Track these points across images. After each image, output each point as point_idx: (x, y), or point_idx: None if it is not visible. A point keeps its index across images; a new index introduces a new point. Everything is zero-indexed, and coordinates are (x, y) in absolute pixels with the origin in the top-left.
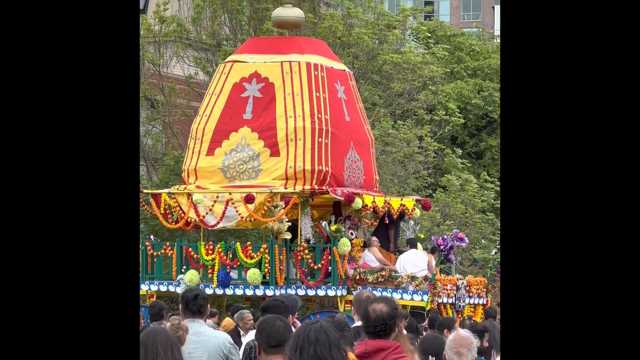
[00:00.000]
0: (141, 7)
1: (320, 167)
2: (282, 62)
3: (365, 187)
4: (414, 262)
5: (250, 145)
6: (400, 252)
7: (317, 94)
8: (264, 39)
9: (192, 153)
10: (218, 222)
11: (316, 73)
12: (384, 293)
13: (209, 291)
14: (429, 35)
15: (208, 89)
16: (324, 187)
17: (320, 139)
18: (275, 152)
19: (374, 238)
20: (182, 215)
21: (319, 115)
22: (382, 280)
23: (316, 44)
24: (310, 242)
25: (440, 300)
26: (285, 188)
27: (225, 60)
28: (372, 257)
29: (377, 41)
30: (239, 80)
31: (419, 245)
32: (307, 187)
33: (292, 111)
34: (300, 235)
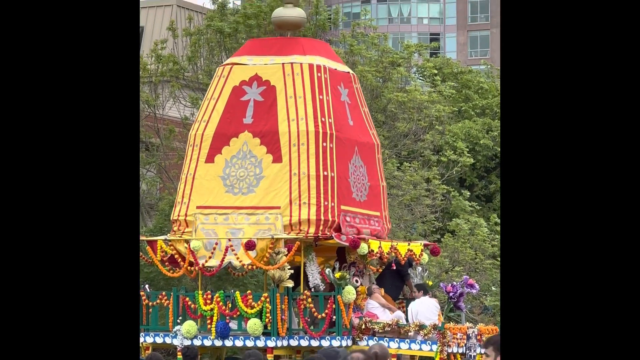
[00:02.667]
0: None
1: (325, 173)
2: (283, 63)
3: (371, 198)
4: (427, 313)
5: (252, 151)
6: (407, 300)
7: (320, 97)
8: (264, 39)
9: (190, 160)
10: (218, 269)
11: (319, 75)
12: (391, 343)
13: (207, 343)
14: (435, 72)
15: (207, 93)
16: (327, 232)
17: (324, 143)
18: (277, 158)
19: (375, 285)
20: (182, 263)
21: (323, 119)
22: (389, 329)
23: (319, 45)
24: (321, 288)
25: (450, 350)
26: (290, 221)
27: (224, 62)
28: (375, 304)
29: (381, 79)
30: (238, 84)
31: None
32: (313, 212)
33: (294, 114)
34: (307, 282)
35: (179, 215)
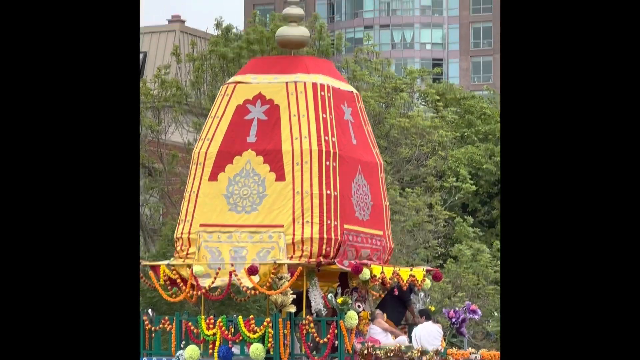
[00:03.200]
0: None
1: (328, 192)
2: (287, 82)
3: (373, 217)
4: (429, 339)
5: (255, 169)
6: (410, 326)
7: (324, 115)
8: (267, 58)
9: (194, 179)
10: (225, 294)
11: (322, 93)
12: None
13: None
14: (438, 98)
15: (210, 112)
16: (329, 257)
17: (328, 162)
18: (281, 177)
19: (378, 311)
20: (184, 287)
21: (326, 138)
22: (392, 355)
23: (322, 64)
24: (323, 313)
25: None
26: (293, 240)
27: (228, 81)
28: (377, 330)
29: (384, 105)
30: (242, 102)
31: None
32: (316, 231)
33: (298, 133)
34: (309, 307)
35: (182, 234)
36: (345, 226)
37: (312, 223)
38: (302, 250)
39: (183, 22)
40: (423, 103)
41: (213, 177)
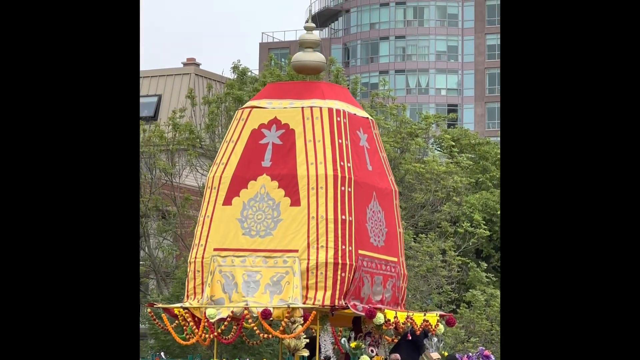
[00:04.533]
0: (152, 114)
1: (343, 217)
2: (302, 107)
3: (388, 244)
4: None
5: (270, 194)
6: None
7: (340, 141)
8: (283, 83)
9: (208, 203)
10: (235, 337)
11: (338, 119)
12: None
13: None
14: (453, 143)
15: (225, 136)
16: (343, 302)
17: (343, 188)
18: (295, 202)
19: (394, 356)
20: (196, 330)
21: (342, 163)
22: None
23: (338, 90)
24: (331, 359)
25: None
26: (308, 265)
27: (244, 106)
28: None
29: (399, 150)
30: (257, 127)
31: None
32: (331, 255)
33: (313, 158)
34: (319, 352)
35: (195, 258)
36: (360, 252)
37: (326, 248)
38: (317, 276)
39: (198, 65)
40: (438, 148)
41: (227, 201)
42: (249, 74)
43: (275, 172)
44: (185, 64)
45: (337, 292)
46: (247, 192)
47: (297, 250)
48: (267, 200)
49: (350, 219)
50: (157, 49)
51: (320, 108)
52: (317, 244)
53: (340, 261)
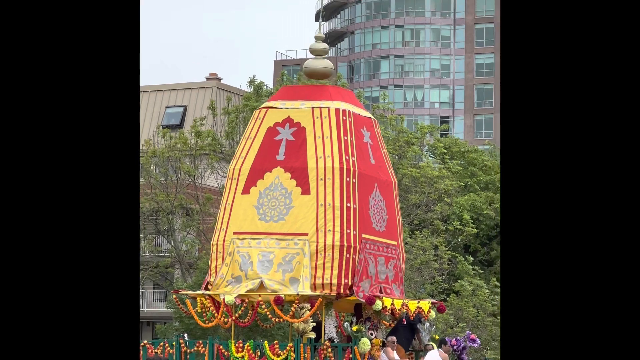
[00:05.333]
0: (178, 122)
1: (348, 205)
2: (312, 107)
3: (389, 229)
4: None
5: (283, 184)
6: (417, 353)
7: (345, 137)
8: (296, 87)
9: (229, 192)
10: (251, 321)
11: (344, 118)
12: None
13: None
14: (445, 151)
15: (244, 133)
16: (349, 286)
17: (348, 179)
18: (306, 191)
19: (391, 338)
20: (216, 314)
21: (347, 157)
22: None
23: (344, 93)
24: (335, 341)
25: None
26: (317, 247)
27: (260, 107)
28: (386, 358)
29: (397, 156)
30: (272, 125)
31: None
32: (337, 239)
33: (321, 152)
34: (324, 334)
35: (217, 240)
36: (363, 235)
37: (333, 232)
38: (325, 257)
39: (219, 79)
40: (431, 155)
41: (246, 190)
42: (265, 87)
43: (288, 165)
44: (208, 79)
45: (343, 271)
46: (263, 182)
47: (307, 234)
48: (281, 189)
49: (355, 206)
50: (184, 65)
51: (329, 108)
52: (325, 228)
53: (345, 244)
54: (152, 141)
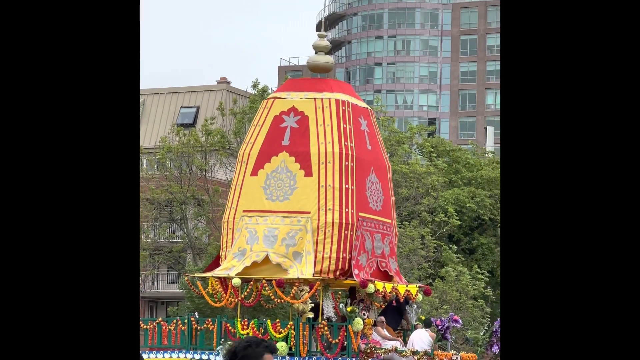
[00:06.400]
0: (191, 122)
1: (347, 186)
2: (315, 98)
3: (384, 209)
4: (420, 343)
5: (288, 167)
6: (405, 332)
7: (344, 125)
8: (300, 79)
9: (239, 174)
10: (255, 301)
11: (344, 108)
12: None
13: None
14: (432, 150)
15: (253, 121)
16: (343, 275)
17: (347, 163)
18: (308, 173)
19: (381, 318)
20: (224, 295)
21: (346, 143)
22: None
23: (344, 86)
24: (333, 320)
25: None
26: (318, 224)
27: (268, 97)
28: (377, 336)
29: (388, 154)
30: (278, 114)
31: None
32: (337, 217)
33: (323, 139)
34: (322, 314)
35: (228, 218)
36: (361, 214)
37: (333, 210)
38: (325, 233)
39: (229, 83)
40: (420, 153)
41: (254, 172)
42: (269, 91)
43: (293, 150)
44: (218, 82)
45: (342, 246)
46: (270, 165)
47: (309, 212)
48: (286, 172)
49: (353, 187)
50: (197, 69)
51: (329, 99)
52: (326, 207)
53: (344, 221)
54: (167, 138)
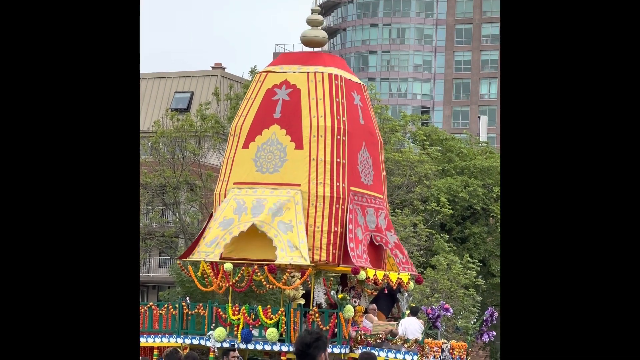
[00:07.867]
0: (185, 107)
1: (338, 160)
2: (308, 72)
3: (375, 183)
4: (412, 331)
5: (279, 139)
6: (396, 319)
7: (337, 99)
8: (293, 53)
9: (231, 147)
10: (247, 286)
11: (337, 82)
12: (381, 353)
13: None
14: (425, 138)
15: (246, 94)
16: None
17: (338, 137)
18: (299, 146)
19: (372, 305)
20: (215, 280)
21: (338, 117)
22: (380, 342)
23: (337, 60)
24: (323, 306)
25: None
26: (309, 196)
27: (261, 71)
28: (369, 323)
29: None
30: (271, 87)
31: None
32: (327, 190)
33: (315, 112)
34: (313, 300)
35: (219, 190)
36: (352, 188)
37: (324, 184)
38: (316, 207)
39: (223, 68)
40: (413, 142)
41: (246, 145)
42: None
43: (284, 123)
44: (213, 68)
45: (333, 220)
46: (261, 138)
47: (299, 185)
48: (277, 144)
49: (344, 161)
50: (192, 54)
51: (322, 73)
52: (317, 180)
53: (335, 195)
54: (161, 123)
